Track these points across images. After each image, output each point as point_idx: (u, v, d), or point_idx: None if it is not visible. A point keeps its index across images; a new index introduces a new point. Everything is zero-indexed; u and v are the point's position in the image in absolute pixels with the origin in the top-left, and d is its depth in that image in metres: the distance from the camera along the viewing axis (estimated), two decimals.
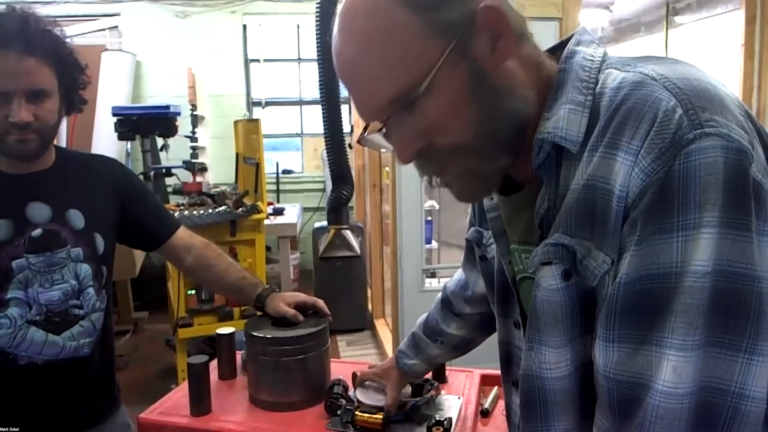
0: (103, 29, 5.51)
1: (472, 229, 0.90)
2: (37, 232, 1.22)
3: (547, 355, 0.64)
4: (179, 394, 1.47)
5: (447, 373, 1.53)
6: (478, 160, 0.63)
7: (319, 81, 4.02)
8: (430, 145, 0.63)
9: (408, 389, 1.37)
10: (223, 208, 3.08)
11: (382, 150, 0.71)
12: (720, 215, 0.50)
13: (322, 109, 4.05)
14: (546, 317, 0.63)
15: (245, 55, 5.96)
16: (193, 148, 3.87)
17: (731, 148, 0.51)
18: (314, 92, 4.52)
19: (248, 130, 3.74)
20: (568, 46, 0.66)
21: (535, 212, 0.65)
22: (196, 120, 4.40)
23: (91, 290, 1.28)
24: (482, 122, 0.61)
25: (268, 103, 6.14)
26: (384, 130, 0.64)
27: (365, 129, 0.69)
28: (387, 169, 3.64)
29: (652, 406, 0.52)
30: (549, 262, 0.62)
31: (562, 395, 0.64)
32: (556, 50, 0.69)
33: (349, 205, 4.33)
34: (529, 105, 0.63)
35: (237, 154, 4.02)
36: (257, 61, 6.02)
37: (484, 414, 1.40)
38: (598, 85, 0.61)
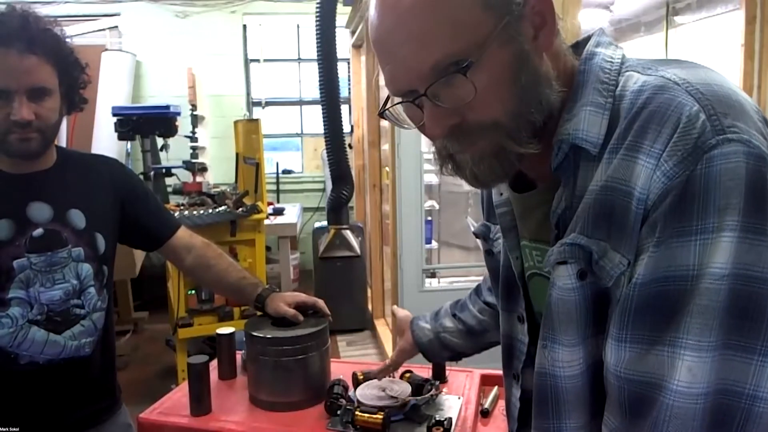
0: (103, 29, 5.51)
1: (479, 223, 0.91)
2: (38, 231, 1.22)
3: (560, 354, 0.64)
4: (179, 394, 1.47)
5: (447, 373, 1.53)
6: (508, 139, 0.62)
7: (319, 81, 4.02)
8: (463, 120, 0.62)
9: (408, 389, 1.38)
10: (223, 208, 3.08)
11: (403, 126, 0.69)
12: (741, 220, 0.51)
13: (322, 109, 4.06)
14: (560, 316, 0.64)
15: (245, 55, 5.96)
16: (193, 148, 3.87)
17: (752, 154, 0.52)
18: (314, 92, 4.53)
19: (248, 130, 3.74)
20: (587, 47, 0.67)
21: (551, 212, 0.65)
22: (196, 120, 4.41)
23: (92, 290, 1.29)
24: (520, 103, 0.61)
25: (268, 103, 6.14)
26: (417, 102, 0.62)
27: (387, 101, 0.67)
28: (387, 169, 3.64)
29: (666, 406, 0.53)
30: (564, 261, 0.62)
31: (574, 393, 0.64)
32: (574, 50, 0.69)
33: (349, 205, 4.33)
34: (558, 99, 0.63)
35: (237, 154, 4.02)
36: (257, 61, 6.02)
37: (484, 414, 1.40)
38: (618, 88, 0.62)
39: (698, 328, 0.52)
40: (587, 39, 0.68)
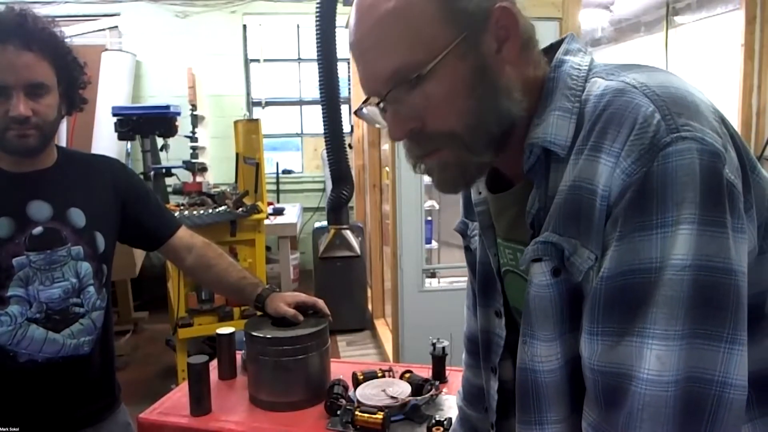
0: (103, 29, 5.50)
1: (459, 220, 0.94)
2: (38, 230, 1.22)
3: (538, 349, 0.67)
4: (179, 394, 1.47)
5: (447, 373, 1.53)
6: (465, 151, 0.66)
7: (319, 81, 4.02)
8: (422, 127, 0.65)
9: (408, 389, 1.38)
10: (223, 208, 3.08)
11: (377, 125, 0.73)
12: (697, 213, 0.54)
13: (322, 109, 4.05)
14: (537, 312, 0.66)
15: (245, 55, 5.96)
16: (193, 148, 3.86)
17: (705, 151, 0.54)
18: (314, 92, 4.52)
19: (248, 130, 3.74)
20: (557, 54, 0.69)
21: (527, 212, 0.68)
22: (196, 120, 4.40)
23: (91, 288, 1.28)
24: (476, 116, 0.64)
25: (268, 103, 6.13)
26: (381, 105, 0.67)
27: (365, 101, 0.71)
28: (387, 169, 3.64)
29: (639, 395, 0.55)
30: (539, 258, 0.65)
31: (554, 387, 0.66)
32: (546, 53, 0.72)
33: (349, 205, 4.33)
34: (521, 109, 0.66)
35: (237, 154, 4.01)
36: (257, 61, 6.02)
37: None
38: (585, 93, 0.65)
39: (664, 318, 0.54)
40: (559, 44, 0.71)
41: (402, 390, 1.37)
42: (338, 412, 1.32)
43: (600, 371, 0.58)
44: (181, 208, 3.09)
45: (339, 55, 4.04)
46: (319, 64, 3.98)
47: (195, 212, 2.98)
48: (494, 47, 0.64)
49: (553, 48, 0.72)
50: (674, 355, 0.53)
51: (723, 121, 0.60)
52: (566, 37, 0.71)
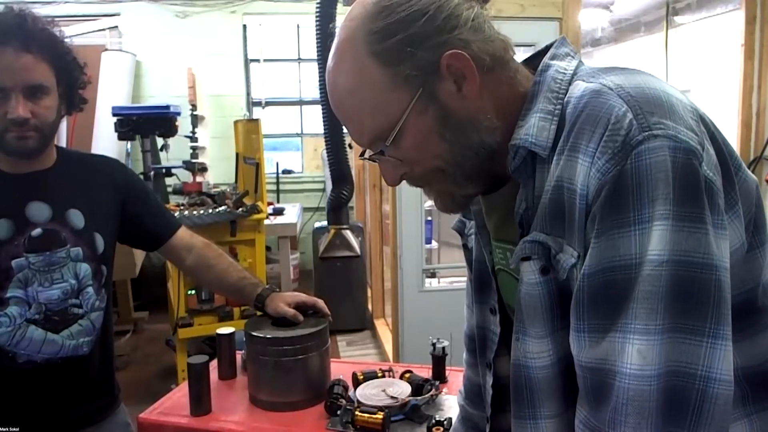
0: (103, 29, 5.50)
1: (456, 219, 0.95)
2: (37, 231, 1.22)
3: (530, 345, 0.68)
4: (179, 394, 1.47)
5: (447, 373, 1.53)
6: (450, 183, 0.71)
7: (319, 81, 4.01)
8: (410, 171, 0.71)
9: (408, 389, 1.38)
10: (223, 208, 3.08)
11: None
12: (672, 209, 0.54)
13: (322, 109, 4.05)
14: (528, 310, 0.68)
15: (245, 55, 5.95)
16: (193, 148, 3.86)
17: (679, 148, 0.55)
18: (314, 92, 4.52)
19: (248, 130, 3.74)
20: (543, 59, 0.71)
21: (515, 212, 0.70)
22: (196, 120, 4.40)
23: (90, 289, 1.28)
24: (452, 154, 0.69)
25: (268, 103, 6.13)
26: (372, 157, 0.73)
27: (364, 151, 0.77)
28: None
29: (623, 389, 0.55)
30: (528, 257, 0.67)
31: (546, 383, 0.68)
32: (535, 59, 0.73)
33: (349, 205, 4.33)
34: (496, 135, 0.69)
35: (237, 154, 4.01)
36: (257, 61, 6.02)
37: None
38: (567, 95, 0.66)
39: (645, 313, 0.55)
40: (547, 48, 0.73)
41: (402, 390, 1.37)
42: (338, 412, 1.32)
43: (587, 367, 0.59)
44: (181, 208, 3.09)
45: None
46: (319, 64, 3.98)
47: (195, 212, 2.98)
48: (454, 89, 0.66)
49: (542, 53, 0.73)
50: (655, 349, 0.54)
51: (702, 120, 0.61)
52: (555, 41, 0.73)
